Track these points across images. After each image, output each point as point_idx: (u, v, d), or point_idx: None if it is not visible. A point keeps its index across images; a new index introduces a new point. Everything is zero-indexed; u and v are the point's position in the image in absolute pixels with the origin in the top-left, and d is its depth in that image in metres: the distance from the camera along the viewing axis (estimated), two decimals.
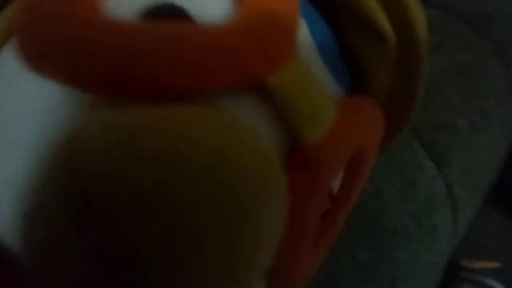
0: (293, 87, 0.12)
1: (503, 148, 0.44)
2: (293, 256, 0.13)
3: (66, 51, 0.10)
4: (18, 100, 0.12)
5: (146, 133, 0.09)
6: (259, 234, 0.10)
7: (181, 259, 0.09)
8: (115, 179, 0.08)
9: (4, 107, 0.12)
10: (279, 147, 0.12)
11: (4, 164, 0.11)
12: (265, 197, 0.10)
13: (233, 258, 0.09)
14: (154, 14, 0.11)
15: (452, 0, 0.50)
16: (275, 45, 0.11)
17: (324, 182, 0.13)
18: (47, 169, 0.09)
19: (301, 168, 0.12)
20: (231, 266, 0.09)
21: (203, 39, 0.10)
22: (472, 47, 0.43)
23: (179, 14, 0.11)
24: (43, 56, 0.10)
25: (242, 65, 0.11)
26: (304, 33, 0.14)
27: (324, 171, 0.12)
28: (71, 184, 0.09)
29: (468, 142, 0.36)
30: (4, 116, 0.12)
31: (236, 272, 0.09)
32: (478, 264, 0.47)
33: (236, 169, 0.09)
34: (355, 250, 0.23)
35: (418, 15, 0.14)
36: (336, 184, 0.16)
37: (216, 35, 0.10)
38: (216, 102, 0.11)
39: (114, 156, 0.09)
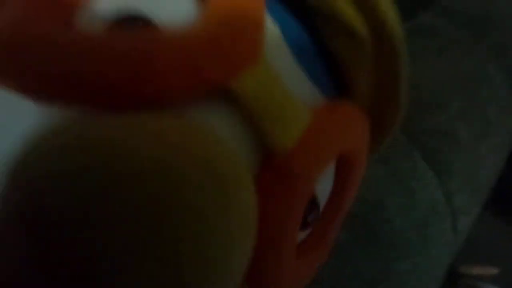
0: (258, 91, 0.11)
1: (503, 155, 0.44)
2: (273, 267, 0.12)
3: (28, 60, 0.10)
4: None
5: (84, 144, 0.09)
6: (227, 247, 0.09)
7: (134, 273, 0.08)
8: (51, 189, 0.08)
9: None
10: (249, 156, 0.12)
11: None
12: (228, 206, 0.09)
13: (200, 272, 0.09)
14: (122, 23, 0.11)
15: (451, 5, 0.50)
16: (236, 49, 0.11)
17: (299, 189, 0.12)
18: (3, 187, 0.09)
19: (274, 176, 0.12)
20: (198, 280, 0.09)
21: (160, 46, 0.10)
22: (473, 53, 0.42)
23: (146, 22, 0.11)
24: (6, 67, 0.10)
25: (201, 71, 0.10)
26: (275, 36, 0.13)
27: (297, 178, 0.12)
28: (12, 193, 0.09)
29: (468, 150, 0.36)
30: None
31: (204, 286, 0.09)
32: (477, 270, 0.47)
33: (196, 179, 0.09)
34: (357, 262, 0.23)
35: (391, 13, 0.14)
36: (322, 191, 0.15)
37: (175, 41, 0.10)
38: (180, 110, 0.10)
39: (67, 172, 0.08)
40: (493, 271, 0.47)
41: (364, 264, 0.23)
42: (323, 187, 0.15)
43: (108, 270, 0.08)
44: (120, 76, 0.10)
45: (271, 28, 0.13)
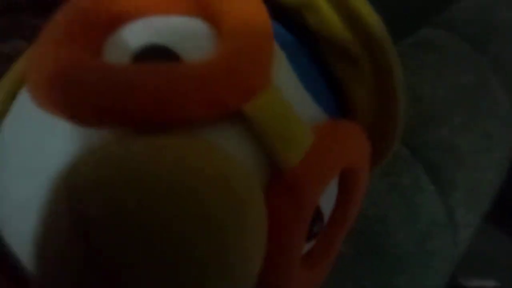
0: (268, 114, 0.12)
1: (504, 168, 0.45)
2: (281, 277, 0.13)
3: (69, 90, 0.11)
4: (32, 135, 0.13)
5: (132, 164, 0.10)
6: (242, 257, 0.10)
7: (166, 279, 0.09)
8: (107, 204, 0.09)
9: (19, 141, 0.13)
10: (259, 173, 0.13)
11: (18, 190, 0.13)
12: (245, 223, 0.10)
13: (216, 281, 0.10)
14: (145, 55, 0.13)
15: (453, 19, 0.50)
16: (250, 77, 0.12)
17: (305, 202, 0.13)
18: (50, 198, 0.10)
19: (281, 191, 0.13)
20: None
21: (181, 75, 0.11)
22: (474, 67, 0.43)
23: (167, 53, 0.13)
24: (50, 96, 0.12)
25: (218, 99, 0.12)
26: (282, 60, 0.15)
27: (303, 192, 0.13)
28: (70, 212, 0.10)
29: (470, 164, 0.36)
30: (19, 150, 0.13)
31: None
32: (477, 282, 0.47)
33: (213, 198, 0.10)
34: (360, 276, 0.23)
35: (385, 38, 0.15)
36: (327, 203, 0.16)
37: (193, 70, 0.12)
38: (198, 132, 0.12)
39: (107, 183, 0.10)
40: (493, 283, 0.47)
41: (366, 277, 0.23)
42: (327, 200, 0.16)
43: (137, 276, 0.09)
44: (146, 104, 0.11)
45: (278, 53, 0.14)
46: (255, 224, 0.11)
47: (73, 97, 0.11)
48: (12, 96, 0.15)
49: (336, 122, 0.15)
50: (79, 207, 0.09)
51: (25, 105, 0.14)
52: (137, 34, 0.13)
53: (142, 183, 0.09)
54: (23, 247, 0.13)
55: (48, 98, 0.12)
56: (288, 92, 0.14)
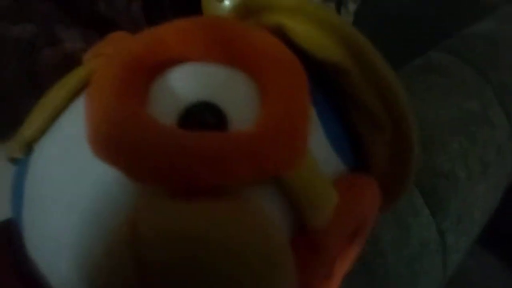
0: (302, 181, 0.14)
1: (498, 195, 0.46)
2: None
3: (124, 147, 0.13)
4: (68, 167, 0.14)
5: (191, 233, 0.12)
6: None
7: None
8: (168, 255, 0.11)
9: (55, 170, 0.14)
10: (288, 230, 0.14)
11: (58, 225, 0.14)
12: (278, 275, 0.12)
13: None
14: (192, 111, 0.14)
15: (460, 45, 0.51)
16: (291, 148, 0.14)
17: (327, 258, 0.15)
18: (107, 246, 0.12)
19: (306, 247, 0.14)
20: None
21: (229, 145, 0.13)
22: (478, 95, 0.44)
23: (213, 110, 0.14)
24: (106, 148, 0.13)
25: (261, 166, 0.13)
26: (314, 121, 0.16)
27: (327, 250, 0.15)
28: (130, 265, 0.11)
29: (465, 190, 0.37)
30: (55, 180, 0.14)
31: None
32: None
33: (257, 253, 0.12)
34: None
35: (410, 112, 0.17)
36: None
37: (240, 140, 0.13)
38: (242, 193, 0.13)
39: (171, 248, 0.11)
40: None
41: None
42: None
43: None
44: (195, 170, 0.12)
45: (311, 113, 0.15)
46: (287, 274, 0.13)
47: (128, 154, 0.12)
48: (51, 120, 0.15)
49: (354, 177, 0.17)
50: (143, 255, 0.11)
51: (64, 135, 0.15)
52: (183, 86, 0.14)
53: (197, 240, 0.11)
54: (56, 277, 0.14)
55: (104, 150, 0.13)
56: (317, 150, 0.15)
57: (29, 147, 0.16)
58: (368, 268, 0.27)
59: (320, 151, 0.15)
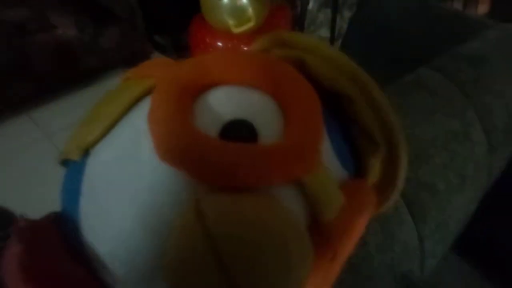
0: (318, 185, 0.17)
1: (474, 207, 0.50)
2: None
3: (184, 155, 0.16)
4: (127, 166, 0.17)
5: (249, 221, 0.15)
6: (300, 277, 0.16)
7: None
8: (243, 247, 0.15)
9: (114, 170, 0.17)
10: (304, 221, 0.18)
11: (120, 214, 0.17)
12: (302, 255, 0.16)
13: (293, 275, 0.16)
14: (230, 127, 0.17)
15: (449, 65, 0.55)
16: (311, 159, 0.17)
17: (335, 247, 0.18)
18: (175, 228, 0.15)
19: (319, 237, 0.18)
20: None
21: (262, 155, 0.16)
22: (461, 114, 0.47)
23: (247, 126, 0.17)
24: (171, 155, 0.16)
25: (287, 171, 0.17)
26: (325, 139, 0.19)
27: (335, 240, 0.18)
28: (201, 240, 0.14)
29: (444, 201, 0.41)
30: (114, 180, 0.17)
31: None
32: None
33: (288, 236, 0.16)
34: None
35: (401, 133, 0.21)
36: None
37: (271, 152, 0.17)
38: (271, 192, 0.17)
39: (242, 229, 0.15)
40: None
41: None
42: None
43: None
44: (238, 174, 0.16)
45: (323, 131, 0.19)
46: (310, 252, 0.17)
47: (188, 159, 0.16)
48: (108, 129, 0.18)
49: (355, 182, 0.21)
50: (212, 232, 0.14)
51: (122, 141, 0.18)
52: (223, 105, 0.18)
53: (252, 221, 0.15)
54: (116, 257, 0.17)
55: (169, 156, 0.16)
56: (328, 161, 0.18)
57: (85, 151, 0.19)
58: (355, 269, 0.30)
59: (330, 161, 0.19)
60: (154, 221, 0.16)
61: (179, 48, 1.43)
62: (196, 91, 0.18)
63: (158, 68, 0.20)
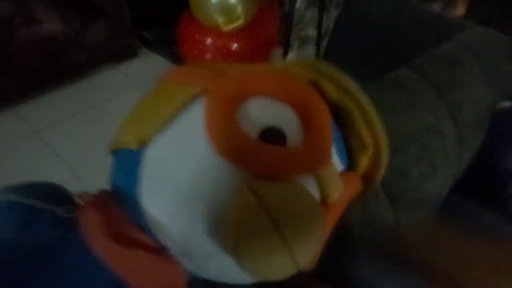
0: (328, 176, 0.24)
1: (444, 193, 0.56)
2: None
3: (235, 151, 0.22)
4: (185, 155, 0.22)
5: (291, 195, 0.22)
6: (322, 232, 0.22)
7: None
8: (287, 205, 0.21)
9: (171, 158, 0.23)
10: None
11: (179, 192, 0.22)
12: (322, 219, 0.22)
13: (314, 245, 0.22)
14: (266, 132, 0.23)
15: (426, 65, 0.60)
16: (326, 158, 0.24)
17: (335, 214, 0.26)
18: (233, 203, 0.21)
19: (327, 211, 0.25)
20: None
21: (291, 156, 0.23)
22: (435, 111, 0.53)
23: (279, 132, 0.23)
24: (225, 150, 0.22)
25: (308, 167, 0.24)
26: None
27: (337, 214, 0.26)
28: (261, 212, 0.20)
29: (417, 187, 0.47)
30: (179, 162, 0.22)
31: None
32: None
33: (317, 212, 0.22)
34: (325, 256, 0.33)
35: (384, 138, 0.28)
36: None
37: (297, 153, 0.23)
38: (296, 179, 0.23)
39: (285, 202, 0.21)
40: None
41: (330, 256, 0.33)
42: None
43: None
44: (274, 168, 0.22)
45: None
46: (324, 223, 0.23)
47: (240, 155, 0.22)
48: (164, 124, 0.23)
49: (348, 174, 0.28)
50: (271, 206, 0.20)
51: (178, 135, 0.23)
52: (260, 114, 0.24)
53: (295, 198, 0.21)
54: (174, 226, 0.22)
55: (225, 150, 0.22)
56: (333, 158, 0.25)
57: (143, 143, 0.23)
58: (341, 239, 0.36)
59: (334, 159, 0.25)
60: (211, 196, 0.21)
61: (167, 44, 1.41)
62: (238, 101, 0.23)
63: (200, 78, 0.25)
